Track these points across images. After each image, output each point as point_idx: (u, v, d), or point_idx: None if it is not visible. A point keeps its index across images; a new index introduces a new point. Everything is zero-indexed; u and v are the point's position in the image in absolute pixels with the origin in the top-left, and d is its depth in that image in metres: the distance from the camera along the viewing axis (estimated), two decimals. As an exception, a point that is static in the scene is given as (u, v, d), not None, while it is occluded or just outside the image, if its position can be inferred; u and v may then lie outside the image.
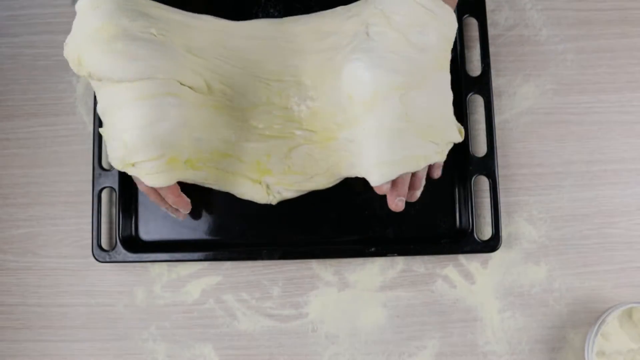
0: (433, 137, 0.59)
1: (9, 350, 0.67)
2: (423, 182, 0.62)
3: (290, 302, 0.67)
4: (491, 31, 0.71)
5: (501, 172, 0.68)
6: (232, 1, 0.70)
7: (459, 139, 0.62)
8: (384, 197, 0.63)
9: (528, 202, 0.68)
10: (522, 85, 0.70)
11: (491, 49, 0.70)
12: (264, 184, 0.65)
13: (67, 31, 0.73)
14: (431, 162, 0.60)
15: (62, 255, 0.68)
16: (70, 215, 0.69)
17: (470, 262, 0.67)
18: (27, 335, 0.67)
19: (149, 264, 0.68)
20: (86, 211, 0.68)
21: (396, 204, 0.60)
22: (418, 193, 0.63)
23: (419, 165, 0.59)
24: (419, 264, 0.67)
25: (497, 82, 0.70)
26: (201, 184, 0.65)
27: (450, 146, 0.61)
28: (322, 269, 0.68)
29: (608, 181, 0.69)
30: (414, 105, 0.58)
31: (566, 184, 0.69)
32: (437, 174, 0.64)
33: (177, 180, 0.61)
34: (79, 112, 0.71)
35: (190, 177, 0.62)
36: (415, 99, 0.58)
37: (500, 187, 0.67)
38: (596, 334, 0.61)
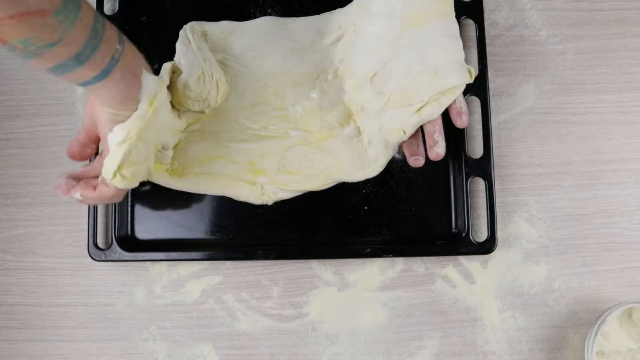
0: (409, 100, 0.60)
1: (9, 350, 0.67)
2: (437, 139, 0.60)
3: (290, 302, 0.67)
4: (491, 31, 0.71)
5: (501, 172, 0.68)
6: (230, 1, 0.70)
7: (459, 81, 0.60)
8: (379, 197, 0.66)
9: (528, 202, 0.68)
10: (522, 85, 0.70)
11: (491, 49, 0.70)
12: (258, 184, 0.65)
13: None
14: (416, 123, 0.60)
15: (62, 255, 0.68)
16: (70, 215, 0.69)
17: (470, 262, 0.67)
18: (27, 335, 0.67)
19: (149, 263, 0.68)
20: (86, 211, 0.68)
21: (411, 162, 0.62)
22: (438, 150, 0.60)
23: (400, 135, 0.61)
24: (419, 264, 0.67)
25: (497, 82, 0.70)
26: (194, 191, 0.65)
27: (452, 92, 0.59)
28: (322, 269, 0.68)
29: (608, 181, 0.69)
30: (384, 79, 0.61)
31: (566, 184, 0.69)
32: (460, 123, 0.60)
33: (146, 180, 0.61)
34: (79, 112, 0.71)
35: (178, 184, 0.64)
36: (386, 74, 0.61)
37: (499, 187, 0.67)
38: (596, 334, 0.61)
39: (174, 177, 0.64)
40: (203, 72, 0.60)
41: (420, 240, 0.67)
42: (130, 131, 0.55)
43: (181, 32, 0.63)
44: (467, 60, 0.69)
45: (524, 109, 0.70)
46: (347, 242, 0.67)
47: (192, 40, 0.62)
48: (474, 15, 0.69)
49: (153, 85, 0.55)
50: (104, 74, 0.50)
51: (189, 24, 0.64)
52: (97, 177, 0.59)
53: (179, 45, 0.62)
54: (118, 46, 0.51)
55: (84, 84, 0.51)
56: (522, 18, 0.71)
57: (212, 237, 0.68)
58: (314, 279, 0.68)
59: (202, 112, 0.65)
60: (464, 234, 0.66)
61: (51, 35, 0.45)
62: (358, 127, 0.65)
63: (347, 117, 0.65)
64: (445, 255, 0.67)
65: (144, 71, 0.54)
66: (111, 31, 0.50)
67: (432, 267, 0.67)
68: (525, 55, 0.71)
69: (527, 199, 0.68)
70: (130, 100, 0.54)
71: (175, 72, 0.61)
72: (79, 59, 0.48)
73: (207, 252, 0.66)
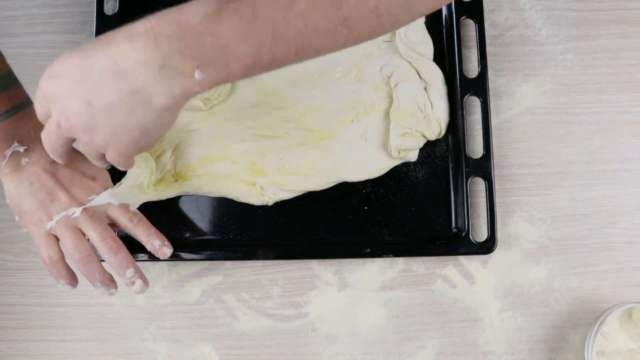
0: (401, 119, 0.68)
1: (9, 350, 0.67)
2: None
3: (290, 302, 0.67)
4: (491, 31, 0.71)
5: (501, 172, 0.68)
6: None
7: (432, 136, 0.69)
8: (379, 197, 0.67)
9: (528, 202, 0.68)
10: (522, 85, 0.70)
11: (491, 49, 0.70)
12: (258, 185, 0.65)
13: (67, 31, 0.72)
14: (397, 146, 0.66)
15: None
16: (70, 215, 0.69)
17: (470, 262, 0.67)
18: (27, 335, 0.67)
19: (149, 263, 0.68)
20: (86, 211, 0.68)
21: None
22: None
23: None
24: (419, 264, 0.67)
25: (497, 82, 0.70)
26: (198, 194, 0.66)
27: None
28: (322, 269, 0.68)
29: (608, 181, 0.69)
30: None
31: (566, 184, 0.69)
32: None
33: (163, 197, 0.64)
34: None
35: (182, 189, 0.65)
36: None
37: (499, 187, 0.67)
38: (596, 334, 0.61)
39: (178, 180, 0.64)
40: None
41: (420, 240, 0.67)
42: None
43: None
44: (467, 60, 0.70)
45: (524, 109, 0.70)
46: (347, 242, 0.67)
47: None
48: (474, 15, 0.69)
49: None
50: None
51: None
52: None
53: None
54: None
55: None
56: (522, 18, 0.71)
57: (212, 237, 0.67)
58: (314, 279, 0.68)
59: (199, 109, 0.65)
60: (464, 234, 0.66)
61: None
62: (363, 126, 0.65)
63: (349, 116, 0.65)
64: (445, 255, 0.67)
65: (14, 144, 0.57)
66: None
67: (432, 267, 0.67)
68: (525, 55, 0.71)
69: (527, 199, 0.68)
70: None
71: None
72: None
73: (207, 252, 0.66)
